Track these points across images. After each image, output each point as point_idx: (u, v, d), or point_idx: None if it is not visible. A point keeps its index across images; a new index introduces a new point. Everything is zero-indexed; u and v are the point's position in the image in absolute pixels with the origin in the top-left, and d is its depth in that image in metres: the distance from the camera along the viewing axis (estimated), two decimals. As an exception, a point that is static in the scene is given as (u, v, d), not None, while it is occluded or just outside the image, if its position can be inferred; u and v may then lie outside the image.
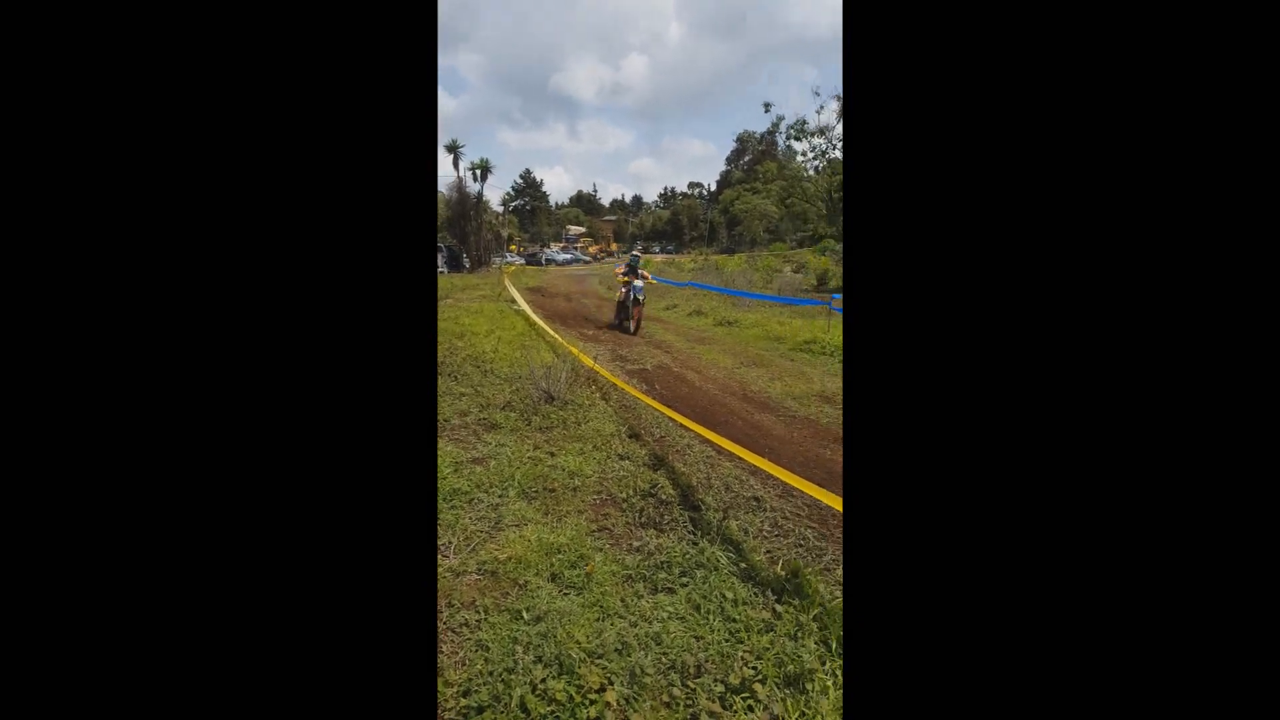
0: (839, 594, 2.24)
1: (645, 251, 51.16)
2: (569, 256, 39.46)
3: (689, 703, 1.65)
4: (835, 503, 2.42)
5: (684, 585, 2.23)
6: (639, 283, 8.86)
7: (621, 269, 9.28)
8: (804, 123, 16.46)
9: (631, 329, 8.80)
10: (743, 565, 2.39)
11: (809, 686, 1.71)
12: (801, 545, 2.64)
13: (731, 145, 60.19)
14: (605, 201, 74.66)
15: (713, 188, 63.04)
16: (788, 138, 17.52)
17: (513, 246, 43.41)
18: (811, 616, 2.01)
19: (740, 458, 3.13)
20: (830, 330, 8.01)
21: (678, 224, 59.01)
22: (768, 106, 23.94)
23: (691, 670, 1.76)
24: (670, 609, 2.07)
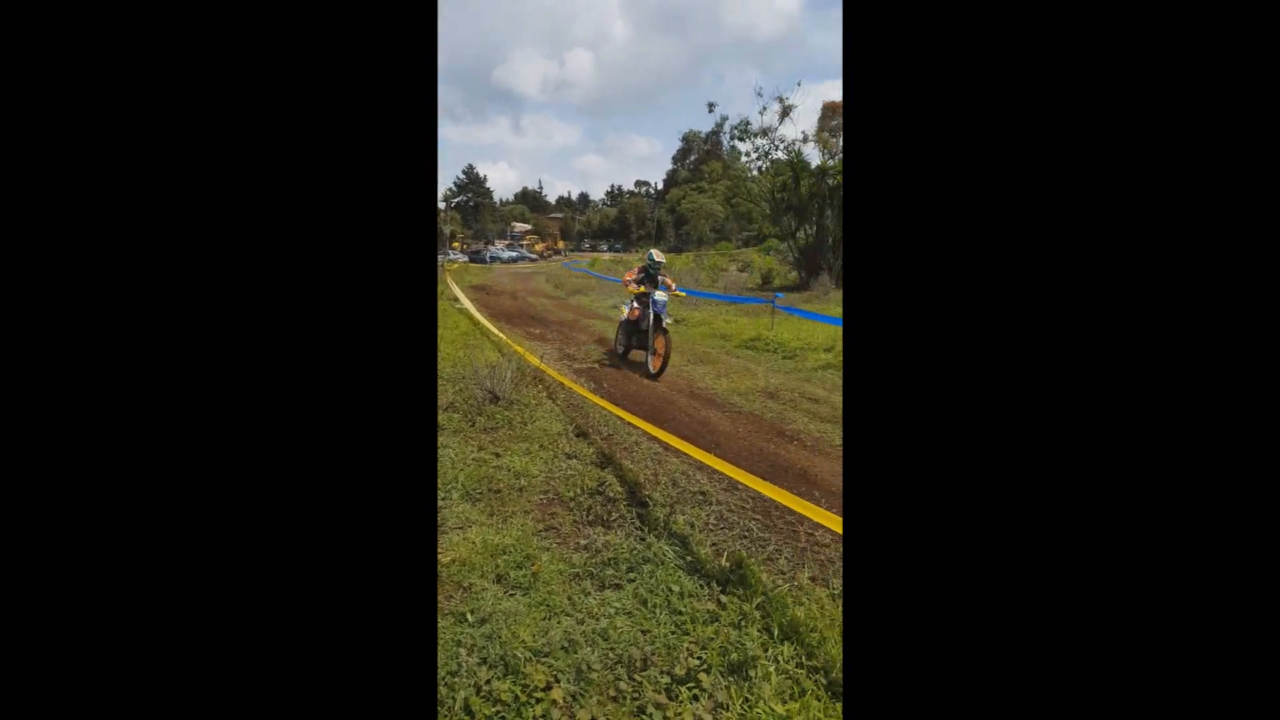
0: (781, 583, 2.31)
1: (593, 249, 50.61)
2: (514, 254, 38.79)
3: (635, 696, 1.67)
4: (777, 495, 2.49)
5: (631, 581, 2.25)
6: (661, 295, 5.87)
7: (634, 275, 6.30)
8: (747, 123, 16.74)
9: (653, 369, 5.78)
10: (689, 558, 2.43)
11: (752, 673, 1.76)
12: (746, 537, 2.71)
13: (678, 144, 60.69)
14: (551, 198, 73.95)
15: (659, 186, 63.46)
16: (732, 138, 17.78)
17: (455, 244, 42.35)
18: (754, 605, 2.07)
19: (687, 453, 3.17)
20: (774, 328, 8.22)
21: (625, 222, 59.10)
22: (712, 106, 24.42)
23: (638, 664, 1.78)
24: (617, 604, 2.09)
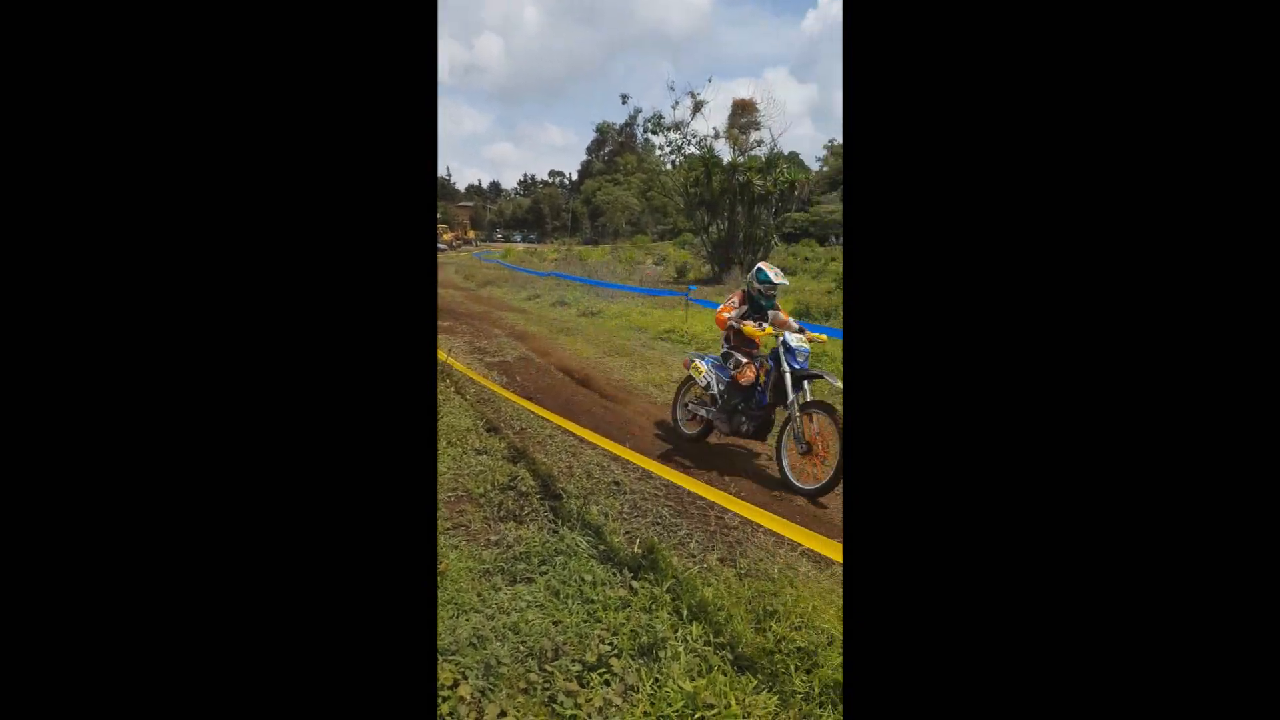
0: (691, 565, 2.39)
1: (506, 240, 49.08)
2: (423, 244, 36.94)
3: (546, 686, 1.67)
4: (688, 483, 2.57)
5: (543, 573, 2.24)
6: (799, 340, 3.40)
7: (734, 309, 3.76)
8: (660, 117, 16.90)
9: (801, 479, 3.18)
10: (602, 548, 2.46)
11: (662, 654, 1.81)
12: (659, 523, 2.77)
13: (592, 135, 60.32)
14: (461, 186, 71.29)
15: (574, 177, 62.83)
16: (645, 131, 17.90)
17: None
18: (665, 589, 2.13)
19: (602, 446, 3.19)
20: (688, 319, 8.41)
21: (539, 213, 58.09)
22: (625, 98, 23.96)
23: (549, 654, 1.78)
24: (529, 598, 2.07)
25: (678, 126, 16.57)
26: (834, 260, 18.16)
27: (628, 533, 2.64)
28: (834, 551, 1.92)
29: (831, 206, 34.04)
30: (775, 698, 1.69)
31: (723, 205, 15.94)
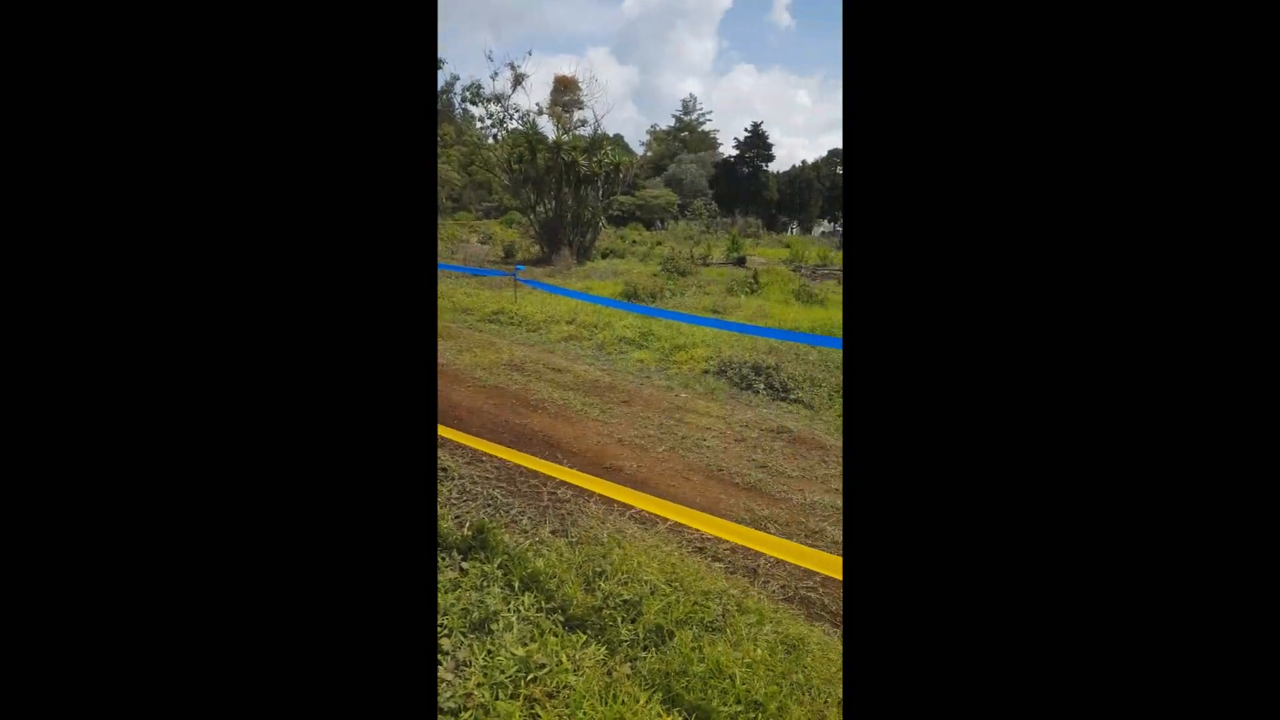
0: (523, 541, 2.44)
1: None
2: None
3: (373, 680, 1.62)
4: (522, 460, 2.60)
5: (366, 568, 2.14)
6: None
7: None
8: (479, 87, 16.17)
9: None
10: (430, 535, 2.40)
11: (494, 627, 1.85)
12: (490, 505, 2.77)
13: (406, 102, 55.53)
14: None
15: (388, 147, 57.44)
16: (463, 100, 17.01)
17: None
18: (496, 565, 2.16)
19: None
20: (518, 301, 8.30)
21: (348, 184, 52.30)
22: (440, 63, 21.94)
23: (375, 648, 1.73)
24: (350, 596, 1.97)
25: (498, 99, 16.02)
26: (659, 244, 19.07)
27: (456, 517, 2.61)
28: (662, 509, 2.10)
29: (655, 191, 35.55)
30: (604, 648, 1.83)
31: (549, 184, 15.82)
